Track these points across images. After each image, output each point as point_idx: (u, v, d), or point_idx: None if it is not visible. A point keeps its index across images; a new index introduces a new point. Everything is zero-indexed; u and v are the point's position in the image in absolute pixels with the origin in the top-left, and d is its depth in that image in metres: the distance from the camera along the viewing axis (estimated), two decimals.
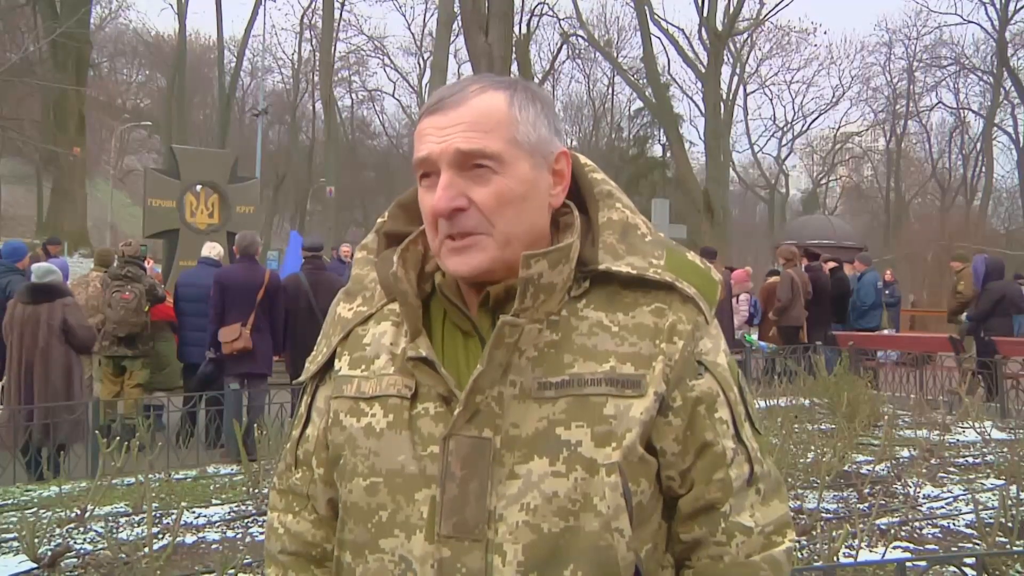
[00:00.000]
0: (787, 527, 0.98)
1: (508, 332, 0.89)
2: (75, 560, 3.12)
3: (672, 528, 0.98)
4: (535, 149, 0.93)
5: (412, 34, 37.68)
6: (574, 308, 0.94)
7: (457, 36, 19.54)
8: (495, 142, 0.90)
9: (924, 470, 4.25)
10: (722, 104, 28.48)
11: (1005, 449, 4.62)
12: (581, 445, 0.89)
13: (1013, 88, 29.88)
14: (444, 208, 0.90)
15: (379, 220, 1.06)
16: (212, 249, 6.92)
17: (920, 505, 3.72)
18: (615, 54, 32.90)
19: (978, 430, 5.23)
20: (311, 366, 1.03)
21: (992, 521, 3.04)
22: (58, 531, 3.47)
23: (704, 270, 0.98)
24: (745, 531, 0.94)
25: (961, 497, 3.81)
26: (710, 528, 0.95)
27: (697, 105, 31.85)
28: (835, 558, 2.69)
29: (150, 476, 4.06)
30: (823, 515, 3.41)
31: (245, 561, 2.97)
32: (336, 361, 1.00)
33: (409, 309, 0.95)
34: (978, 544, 3.08)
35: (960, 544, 3.20)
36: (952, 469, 4.41)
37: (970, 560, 2.51)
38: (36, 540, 3.06)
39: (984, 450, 4.85)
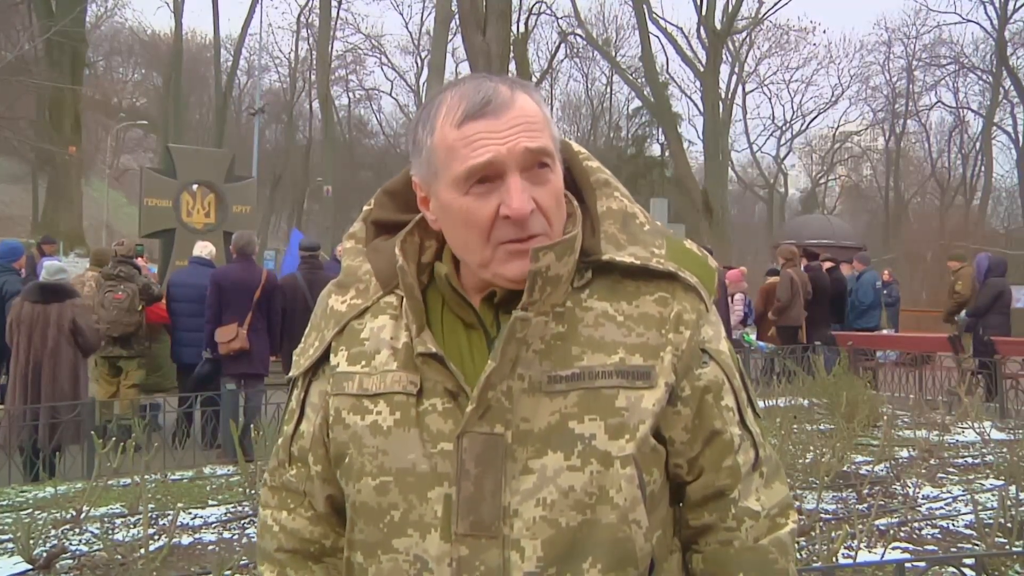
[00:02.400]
0: (790, 508, 1.00)
1: (520, 327, 0.89)
2: (71, 561, 3.09)
3: (680, 513, 0.99)
4: (557, 145, 0.94)
5: (410, 33, 37.78)
6: (578, 299, 0.93)
7: (455, 35, 19.54)
8: (548, 140, 0.91)
9: (923, 470, 4.25)
10: (721, 103, 28.44)
11: (1004, 449, 4.59)
12: (595, 438, 0.89)
13: (1012, 87, 29.83)
14: (528, 210, 0.88)
15: (365, 208, 1.05)
16: (204, 248, 6.86)
17: (919, 506, 3.71)
18: (613, 53, 32.84)
19: (977, 430, 5.23)
20: (302, 360, 1.01)
21: (991, 522, 3.05)
22: (54, 532, 3.44)
23: (702, 258, 0.98)
24: (753, 515, 0.96)
25: (960, 497, 3.81)
26: (720, 514, 0.96)
27: (696, 104, 31.78)
28: (834, 559, 2.69)
29: (146, 477, 4.05)
30: (822, 516, 3.41)
31: (242, 562, 2.94)
32: (332, 356, 0.98)
33: (414, 303, 0.93)
34: (977, 545, 3.08)
35: (959, 545, 3.20)
36: (951, 469, 4.40)
37: (969, 561, 2.49)
38: (31, 541, 3.04)
39: (983, 450, 4.85)
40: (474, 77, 0.94)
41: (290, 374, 1.04)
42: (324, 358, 0.99)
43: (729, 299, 9.15)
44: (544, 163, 0.90)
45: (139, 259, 7.62)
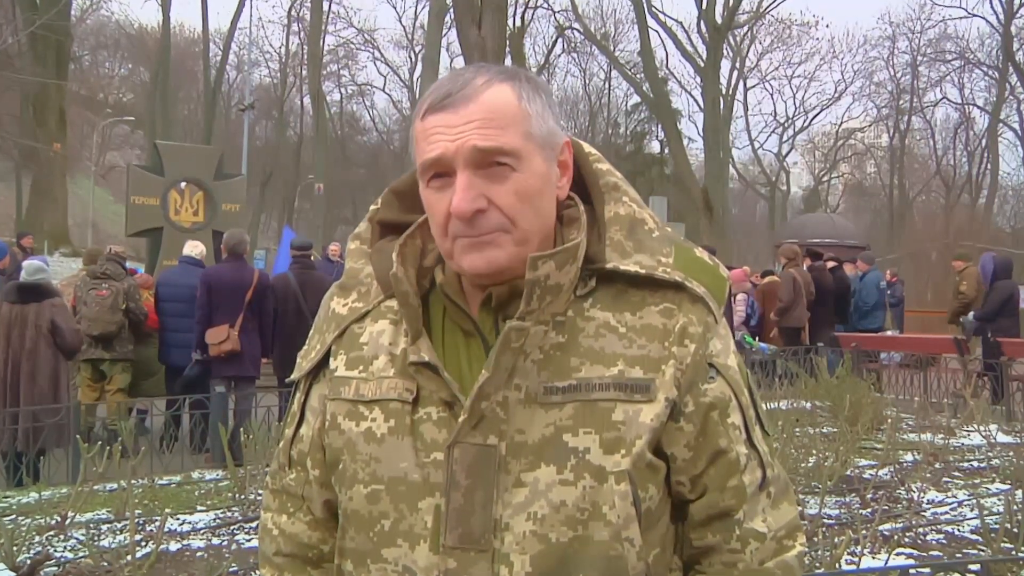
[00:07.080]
0: (797, 531, 0.97)
1: (515, 336, 0.87)
2: (55, 568, 3.05)
3: (682, 533, 0.97)
4: (545, 142, 0.91)
5: (403, 27, 37.31)
6: (580, 308, 0.91)
7: (449, 29, 19.42)
8: (512, 138, 0.88)
9: (928, 475, 4.21)
10: (721, 99, 28.41)
11: (1010, 453, 4.59)
12: (589, 452, 0.87)
13: (1019, 83, 29.72)
14: (467, 211, 0.86)
15: (372, 208, 1.03)
16: (194, 248, 6.78)
17: (924, 510, 3.68)
18: (612, 48, 32.73)
19: (983, 434, 5.20)
20: (304, 363, 1.00)
21: (997, 527, 3.00)
22: (38, 539, 3.40)
23: (713, 267, 0.96)
24: (759, 537, 0.94)
25: (965, 502, 3.78)
26: (724, 535, 0.94)
27: (696, 100, 31.66)
28: (837, 565, 2.67)
29: (133, 482, 3.98)
30: (825, 521, 3.37)
31: (231, 569, 2.91)
32: (332, 360, 0.97)
33: (410, 311, 0.92)
34: (983, 550, 3.06)
35: (964, 550, 3.18)
36: (956, 473, 4.38)
37: (975, 566, 2.48)
38: (15, 548, 2.99)
39: (989, 454, 4.82)
40: (463, 67, 0.94)
41: (292, 376, 1.03)
42: (325, 361, 0.98)
43: (731, 299, 9.05)
44: (499, 162, 0.87)
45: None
